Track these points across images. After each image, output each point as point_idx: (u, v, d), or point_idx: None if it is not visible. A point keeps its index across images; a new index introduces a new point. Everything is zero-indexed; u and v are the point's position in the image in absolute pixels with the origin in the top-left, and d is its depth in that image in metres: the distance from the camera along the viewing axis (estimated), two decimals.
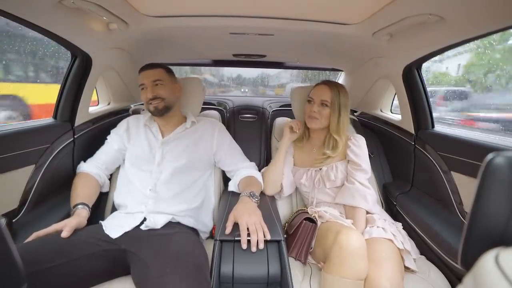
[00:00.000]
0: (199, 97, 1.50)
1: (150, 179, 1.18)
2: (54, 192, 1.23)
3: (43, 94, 2.86)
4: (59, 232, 0.93)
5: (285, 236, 1.09)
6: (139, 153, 1.24)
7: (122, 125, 1.34)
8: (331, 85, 1.26)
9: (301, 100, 1.43)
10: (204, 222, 1.26)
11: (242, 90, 4.23)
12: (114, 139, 1.30)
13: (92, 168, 1.25)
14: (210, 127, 1.37)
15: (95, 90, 1.55)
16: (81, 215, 1.04)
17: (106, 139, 1.32)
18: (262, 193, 1.35)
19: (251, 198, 1.14)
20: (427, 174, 1.33)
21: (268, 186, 1.35)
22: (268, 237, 0.98)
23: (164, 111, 1.25)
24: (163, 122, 1.32)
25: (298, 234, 1.14)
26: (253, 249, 0.95)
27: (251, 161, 1.42)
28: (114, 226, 1.06)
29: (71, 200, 1.12)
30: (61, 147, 1.24)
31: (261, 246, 0.96)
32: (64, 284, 0.87)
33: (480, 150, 1.05)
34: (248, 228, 0.99)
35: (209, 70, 4.39)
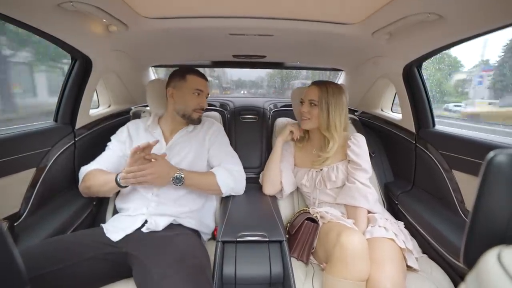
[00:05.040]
0: None
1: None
2: (55, 195, 1.23)
3: None
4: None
5: (287, 236, 1.09)
6: None
7: (123, 131, 1.31)
8: (320, 84, 1.27)
9: None
10: (206, 224, 1.25)
11: (242, 92, 4.59)
12: (117, 146, 1.27)
13: (102, 167, 1.20)
14: (206, 126, 1.37)
15: (95, 92, 1.55)
16: None
17: (107, 145, 1.29)
18: (263, 193, 1.35)
19: (177, 174, 1.11)
20: (429, 173, 1.33)
21: (267, 185, 1.35)
22: None
23: (200, 121, 1.33)
24: (171, 127, 1.31)
25: (300, 234, 1.14)
26: None
27: (252, 161, 1.41)
28: (115, 229, 1.06)
29: (105, 182, 1.10)
30: (62, 149, 1.24)
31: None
32: (66, 287, 0.87)
33: (481, 148, 1.05)
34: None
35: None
